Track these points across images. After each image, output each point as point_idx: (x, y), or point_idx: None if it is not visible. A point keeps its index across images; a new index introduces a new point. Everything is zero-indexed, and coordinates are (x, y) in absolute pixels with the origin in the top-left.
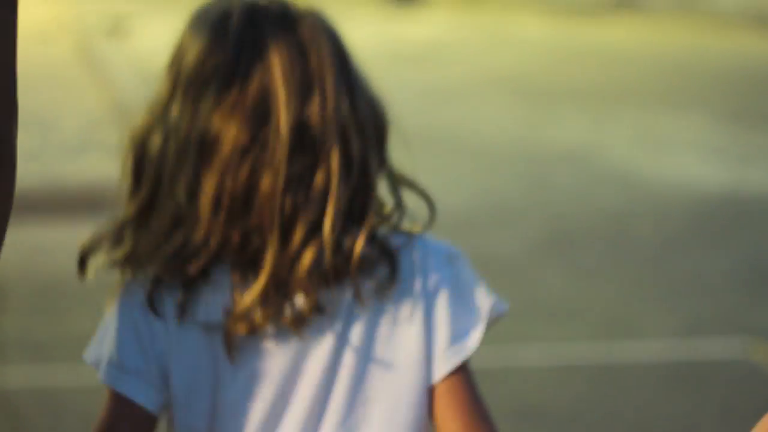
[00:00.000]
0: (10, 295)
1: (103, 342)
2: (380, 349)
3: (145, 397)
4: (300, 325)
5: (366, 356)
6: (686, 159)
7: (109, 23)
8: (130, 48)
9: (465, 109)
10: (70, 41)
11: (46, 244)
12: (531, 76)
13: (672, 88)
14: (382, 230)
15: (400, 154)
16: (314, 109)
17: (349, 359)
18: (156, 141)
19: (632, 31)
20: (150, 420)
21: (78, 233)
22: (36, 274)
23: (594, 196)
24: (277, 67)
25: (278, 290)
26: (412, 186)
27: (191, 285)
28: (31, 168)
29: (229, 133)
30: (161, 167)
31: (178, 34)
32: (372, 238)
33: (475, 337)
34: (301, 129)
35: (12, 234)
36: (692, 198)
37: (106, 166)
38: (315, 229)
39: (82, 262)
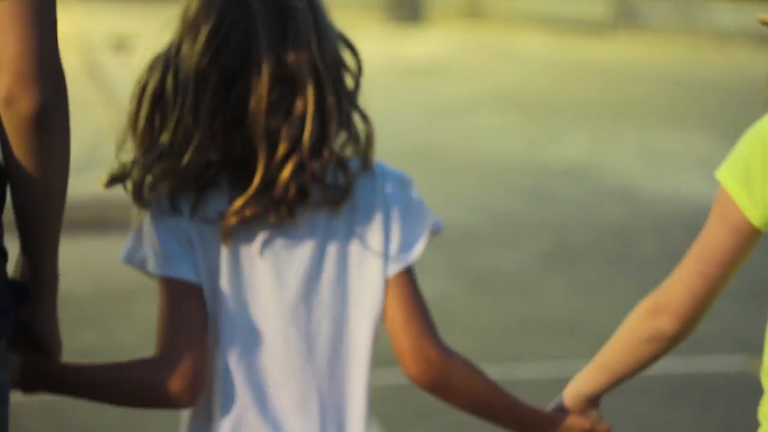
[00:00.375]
0: None
1: (141, 246)
2: (353, 250)
3: (191, 274)
4: (287, 221)
5: (343, 255)
6: (687, 175)
7: (114, 41)
8: (134, 65)
9: (468, 124)
10: (77, 58)
11: None
12: (533, 93)
13: (673, 105)
14: (350, 154)
15: (403, 167)
16: (290, 49)
17: (331, 255)
18: (170, 77)
19: (633, 48)
20: (198, 291)
21: (84, 249)
22: None
23: (596, 212)
24: (258, 16)
25: (266, 192)
26: (366, 118)
27: (201, 190)
28: None
29: (215, 70)
30: (173, 97)
31: None
32: (338, 161)
33: (419, 248)
34: (279, 64)
35: (16, 249)
36: (693, 213)
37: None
38: (296, 144)
39: (116, 182)
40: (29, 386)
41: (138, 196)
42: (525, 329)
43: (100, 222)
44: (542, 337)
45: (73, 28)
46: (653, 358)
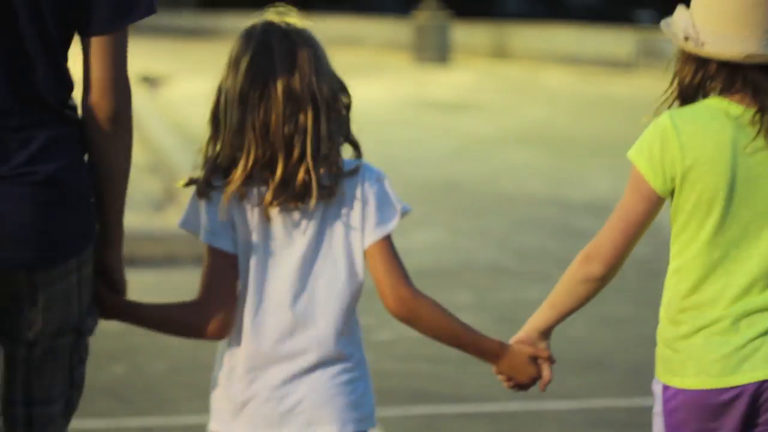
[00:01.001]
0: None
1: (195, 220)
2: (341, 227)
3: (229, 246)
4: (301, 207)
5: (333, 232)
6: None
7: (145, 80)
8: (164, 102)
9: (494, 160)
10: None
11: None
12: (558, 129)
13: None
14: (345, 158)
15: (430, 200)
16: (296, 81)
17: (326, 231)
18: (222, 100)
19: (658, 85)
20: (233, 259)
21: None
22: None
23: None
24: (276, 56)
25: (286, 188)
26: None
27: (245, 183)
28: None
29: (252, 92)
30: (224, 115)
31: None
32: (333, 170)
33: (393, 224)
34: (289, 90)
35: None
36: None
37: (140, 219)
38: (304, 153)
39: (191, 183)
40: (105, 315)
41: (200, 190)
42: None
43: (129, 258)
44: (568, 372)
45: None
46: (587, 297)
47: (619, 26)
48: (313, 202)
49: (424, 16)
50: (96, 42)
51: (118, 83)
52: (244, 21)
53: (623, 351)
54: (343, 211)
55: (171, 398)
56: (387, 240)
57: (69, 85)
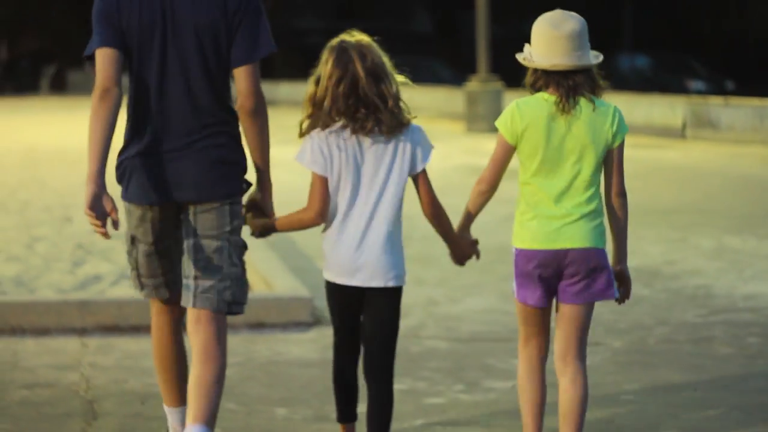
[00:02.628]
0: (100, 409)
1: (303, 155)
2: (400, 156)
3: (323, 171)
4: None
5: (393, 158)
6: (763, 280)
7: None
8: None
9: None
10: None
11: (136, 354)
12: None
13: (749, 209)
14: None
15: (483, 267)
16: (369, 65)
17: (392, 155)
18: (344, 84)
19: (710, 152)
20: (326, 180)
21: None
22: (125, 390)
23: (674, 312)
24: (355, 60)
25: (368, 128)
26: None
27: (343, 128)
28: (124, 282)
29: (362, 82)
30: (346, 94)
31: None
32: (398, 117)
33: (428, 160)
34: (368, 73)
35: (104, 346)
36: None
37: None
38: (383, 107)
39: (304, 134)
40: (259, 235)
41: (304, 133)
42: (603, 431)
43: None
44: None
45: None
46: (484, 202)
47: (670, 95)
48: (384, 134)
49: (476, 85)
50: (239, 69)
51: (254, 92)
52: (298, 91)
53: (674, 417)
54: (406, 148)
55: None
56: (425, 172)
57: (229, 97)
